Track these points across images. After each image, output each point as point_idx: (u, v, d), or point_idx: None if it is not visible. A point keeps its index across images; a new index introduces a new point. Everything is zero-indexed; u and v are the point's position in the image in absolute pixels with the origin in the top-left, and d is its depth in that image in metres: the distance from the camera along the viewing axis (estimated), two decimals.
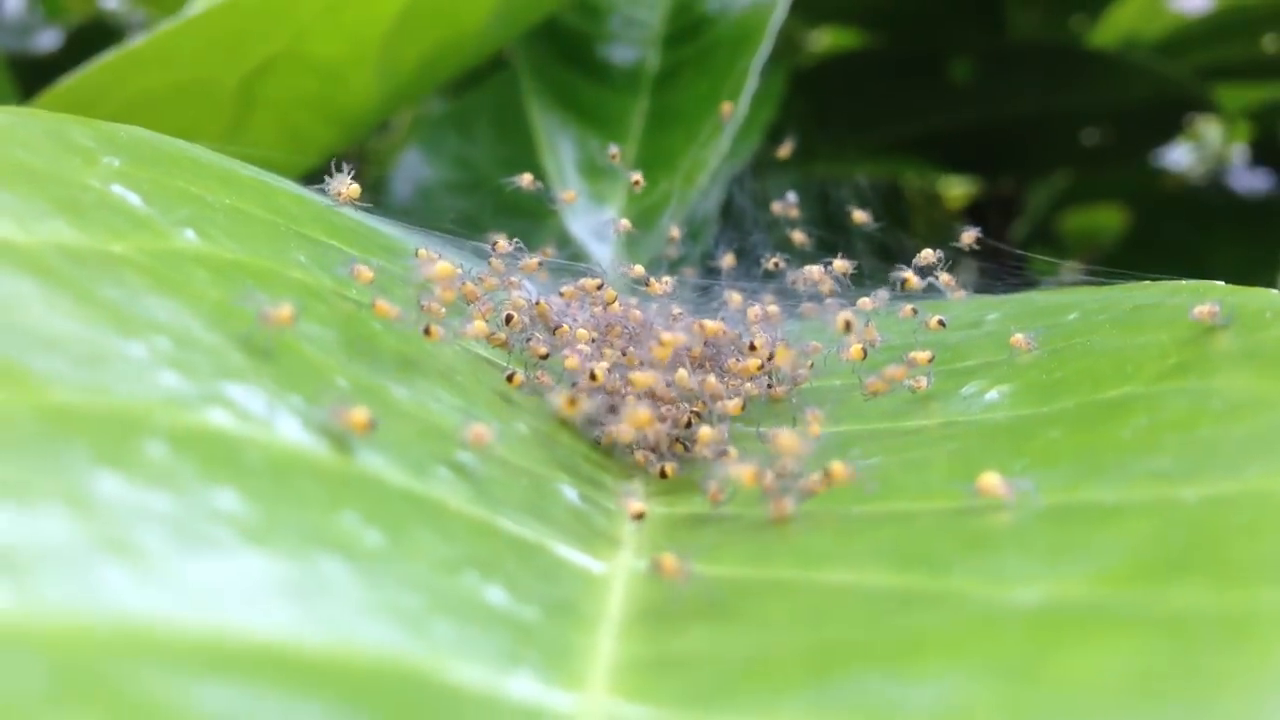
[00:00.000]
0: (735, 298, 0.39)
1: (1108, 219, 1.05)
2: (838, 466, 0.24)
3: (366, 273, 0.27)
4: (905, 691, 0.16)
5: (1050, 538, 0.21)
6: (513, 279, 0.34)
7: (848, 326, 0.29)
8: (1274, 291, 0.28)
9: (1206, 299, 0.28)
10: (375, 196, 0.75)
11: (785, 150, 0.51)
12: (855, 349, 0.30)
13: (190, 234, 0.25)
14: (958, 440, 0.28)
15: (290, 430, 0.19)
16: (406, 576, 0.17)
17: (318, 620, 0.15)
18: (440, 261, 0.28)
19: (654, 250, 0.52)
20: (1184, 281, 0.32)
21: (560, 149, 0.55)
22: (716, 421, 0.29)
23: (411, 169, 0.74)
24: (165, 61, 0.43)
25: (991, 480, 0.22)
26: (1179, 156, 1.07)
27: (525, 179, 0.38)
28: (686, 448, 0.30)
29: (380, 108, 0.52)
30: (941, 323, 0.33)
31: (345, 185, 0.31)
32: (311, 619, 0.15)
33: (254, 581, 0.16)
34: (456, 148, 0.75)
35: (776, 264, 0.39)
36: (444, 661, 0.16)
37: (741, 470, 0.25)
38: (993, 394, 0.30)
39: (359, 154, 0.88)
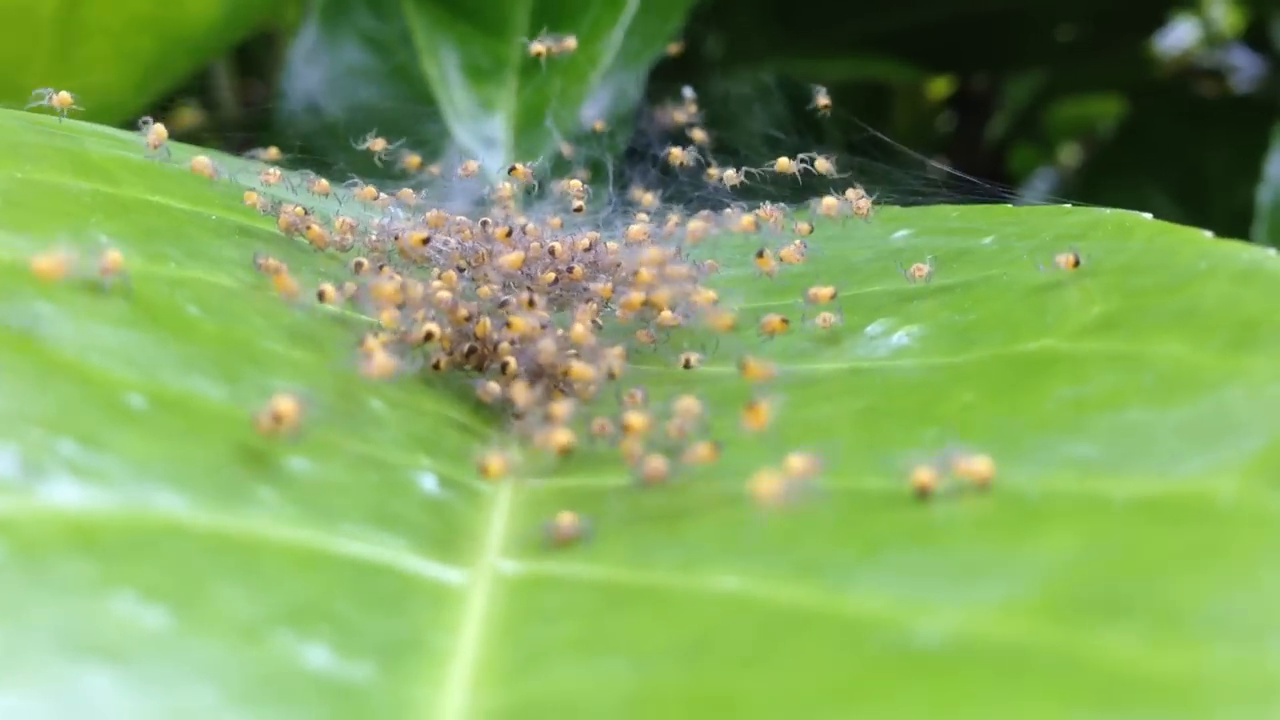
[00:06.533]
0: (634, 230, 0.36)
1: (1103, 108, 1.02)
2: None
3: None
4: None
5: (964, 546, 0.18)
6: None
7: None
8: (1208, 234, 0.26)
9: (1088, 239, 0.26)
10: (273, 90, 0.69)
11: None
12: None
13: None
14: (863, 395, 0.25)
15: (58, 491, 0.16)
16: (196, 664, 0.14)
17: None
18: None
19: (543, 152, 0.49)
20: (1108, 211, 0.29)
21: (441, 52, 0.50)
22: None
23: (309, 52, 0.67)
24: None
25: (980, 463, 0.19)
26: (1183, 33, 1.03)
27: (378, 144, 0.34)
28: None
29: (228, 25, 0.47)
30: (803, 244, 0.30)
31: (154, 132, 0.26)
32: None
33: None
34: (364, 23, 0.68)
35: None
36: None
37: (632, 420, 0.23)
38: (901, 336, 0.28)
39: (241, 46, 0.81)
